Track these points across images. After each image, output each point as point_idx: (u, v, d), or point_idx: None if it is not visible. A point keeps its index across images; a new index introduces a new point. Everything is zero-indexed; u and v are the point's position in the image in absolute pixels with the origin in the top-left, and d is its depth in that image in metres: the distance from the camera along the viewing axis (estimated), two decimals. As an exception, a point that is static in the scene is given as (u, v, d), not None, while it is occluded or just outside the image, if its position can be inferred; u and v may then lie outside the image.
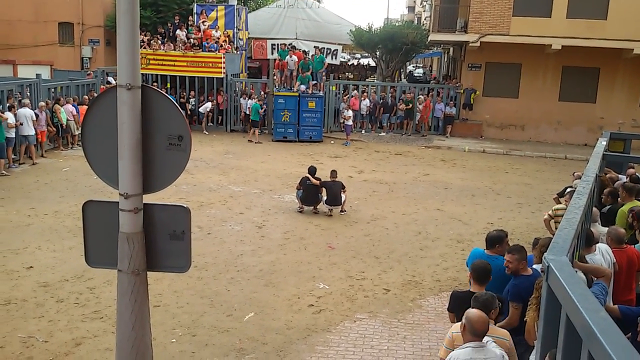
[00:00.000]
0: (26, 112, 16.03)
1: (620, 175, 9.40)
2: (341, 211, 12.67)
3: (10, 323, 7.41)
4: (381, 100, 23.52)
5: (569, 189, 9.21)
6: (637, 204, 7.62)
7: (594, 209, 7.11)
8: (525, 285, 5.31)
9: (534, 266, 5.77)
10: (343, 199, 12.59)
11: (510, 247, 5.67)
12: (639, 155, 12.32)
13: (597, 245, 6.08)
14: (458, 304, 5.37)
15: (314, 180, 12.55)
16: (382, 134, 23.26)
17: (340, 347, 7.15)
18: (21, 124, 15.77)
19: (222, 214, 12.41)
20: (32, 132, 16.19)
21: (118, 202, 3.43)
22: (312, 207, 12.77)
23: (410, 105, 23.03)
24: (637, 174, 9.49)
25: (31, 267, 9.22)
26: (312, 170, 12.81)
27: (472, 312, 4.36)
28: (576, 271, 3.89)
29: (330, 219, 12.37)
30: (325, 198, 12.57)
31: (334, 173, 12.75)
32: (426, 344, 7.23)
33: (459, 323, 4.52)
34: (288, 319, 7.83)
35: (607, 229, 6.72)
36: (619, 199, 8.12)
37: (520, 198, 14.80)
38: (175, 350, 6.91)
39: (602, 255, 5.93)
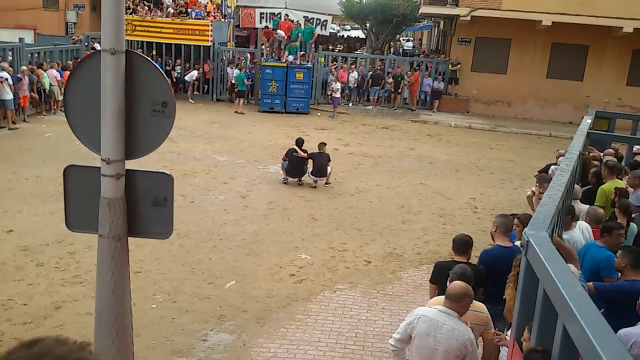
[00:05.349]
0: (4, 76, 15.74)
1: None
2: (326, 183, 12.67)
3: (-10, 286, 7.38)
4: (369, 73, 23.40)
5: (553, 167, 9.27)
6: (618, 183, 7.69)
7: (576, 186, 7.18)
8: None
9: (516, 242, 5.82)
10: (328, 171, 12.58)
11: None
12: (623, 135, 12.40)
13: (578, 222, 6.15)
14: (442, 273, 5.36)
15: (301, 153, 12.51)
16: (369, 107, 23.19)
17: (319, 316, 7.22)
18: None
19: (206, 183, 12.37)
20: (10, 97, 15.88)
21: (100, 168, 3.40)
22: (297, 179, 12.76)
23: (400, 80, 22.93)
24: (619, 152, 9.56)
25: (11, 230, 9.16)
26: (299, 142, 12.74)
27: (454, 282, 4.47)
28: (556, 247, 3.94)
29: (315, 191, 12.39)
30: (310, 169, 12.57)
31: (322, 145, 12.74)
32: (404, 315, 7.23)
33: (438, 297, 4.61)
34: (269, 287, 7.87)
35: (587, 207, 6.79)
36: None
37: (504, 174, 14.90)
38: (155, 316, 6.94)
39: (581, 232, 6.00)
